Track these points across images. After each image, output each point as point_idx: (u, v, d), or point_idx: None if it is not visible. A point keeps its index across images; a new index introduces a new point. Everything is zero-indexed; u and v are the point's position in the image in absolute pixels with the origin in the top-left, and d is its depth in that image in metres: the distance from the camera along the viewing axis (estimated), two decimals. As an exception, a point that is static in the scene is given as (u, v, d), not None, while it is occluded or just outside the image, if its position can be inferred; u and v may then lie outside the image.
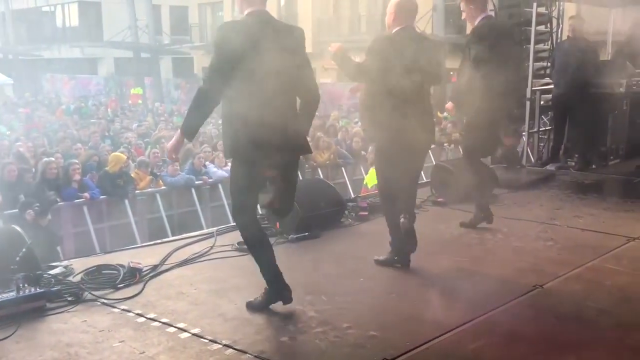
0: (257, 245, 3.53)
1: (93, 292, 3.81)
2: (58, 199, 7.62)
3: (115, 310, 3.62)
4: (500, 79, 4.72)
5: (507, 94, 4.92)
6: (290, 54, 3.26)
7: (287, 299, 3.50)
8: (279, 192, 3.55)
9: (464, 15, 5.01)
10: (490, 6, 5.11)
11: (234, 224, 3.67)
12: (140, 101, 23.74)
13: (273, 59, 3.15)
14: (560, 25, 8.39)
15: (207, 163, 9.82)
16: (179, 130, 3.40)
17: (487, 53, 4.69)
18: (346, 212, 5.58)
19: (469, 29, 5.28)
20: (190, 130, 3.36)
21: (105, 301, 3.73)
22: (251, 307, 3.57)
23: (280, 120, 3.24)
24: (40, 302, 3.57)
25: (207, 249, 4.67)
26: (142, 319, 3.48)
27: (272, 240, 4.48)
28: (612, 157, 7.34)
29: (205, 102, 3.31)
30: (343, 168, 11.06)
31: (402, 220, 4.11)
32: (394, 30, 4.10)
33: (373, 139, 4.25)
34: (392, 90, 3.91)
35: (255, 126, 3.18)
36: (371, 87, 4.11)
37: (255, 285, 3.65)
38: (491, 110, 4.75)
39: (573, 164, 7.29)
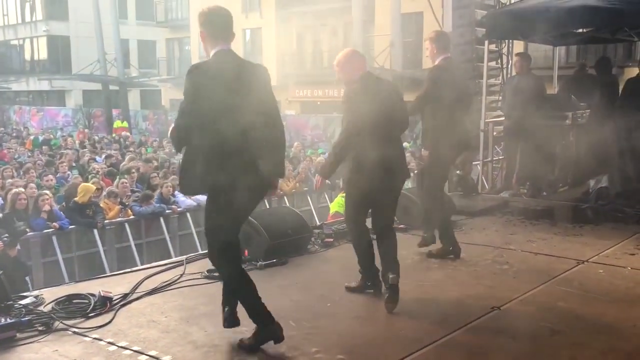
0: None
1: (64, 322, 3.81)
2: (27, 230, 7.58)
3: (87, 339, 3.63)
4: (453, 117, 4.92)
5: (461, 133, 5.12)
6: (255, 92, 3.29)
7: (278, 338, 3.41)
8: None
9: (427, 53, 5.23)
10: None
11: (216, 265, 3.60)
12: (129, 134, 23.44)
13: (238, 99, 3.20)
14: (510, 62, 8.77)
15: (175, 192, 9.88)
16: None
17: (440, 92, 4.86)
18: (312, 238, 5.70)
19: (425, 63, 5.56)
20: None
21: (77, 330, 3.73)
22: (243, 347, 3.47)
23: (251, 157, 3.27)
24: (11, 332, 3.56)
25: (177, 277, 4.70)
26: (113, 348, 3.50)
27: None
28: (561, 185, 7.54)
29: (177, 140, 3.35)
30: (308, 196, 11.22)
31: (390, 276, 4.01)
32: (358, 76, 4.07)
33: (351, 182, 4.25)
34: (369, 135, 3.93)
35: (228, 164, 3.22)
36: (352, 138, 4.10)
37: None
38: (448, 148, 4.95)
39: (525, 191, 7.45)
